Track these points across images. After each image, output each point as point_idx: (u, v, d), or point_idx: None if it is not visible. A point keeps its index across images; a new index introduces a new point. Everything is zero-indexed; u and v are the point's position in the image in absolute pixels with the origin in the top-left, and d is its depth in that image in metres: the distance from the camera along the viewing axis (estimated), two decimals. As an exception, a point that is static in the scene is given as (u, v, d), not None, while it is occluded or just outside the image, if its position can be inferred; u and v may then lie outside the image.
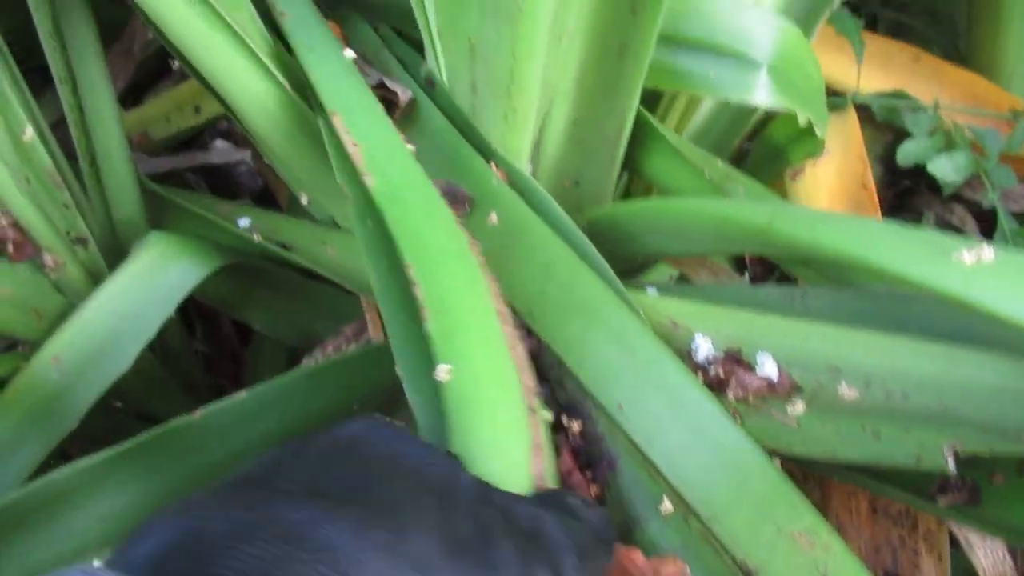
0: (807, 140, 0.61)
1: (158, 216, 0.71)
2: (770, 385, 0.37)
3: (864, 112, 0.80)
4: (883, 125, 0.82)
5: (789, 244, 0.38)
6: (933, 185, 0.76)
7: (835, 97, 0.80)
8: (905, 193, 0.87)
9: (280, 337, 0.72)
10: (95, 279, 0.65)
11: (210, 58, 0.49)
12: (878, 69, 0.84)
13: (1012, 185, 0.69)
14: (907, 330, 0.37)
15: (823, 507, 0.43)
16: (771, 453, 0.35)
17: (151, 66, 0.93)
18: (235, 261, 0.63)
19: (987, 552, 0.40)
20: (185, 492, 0.35)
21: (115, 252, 0.69)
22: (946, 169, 0.66)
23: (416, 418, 0.39)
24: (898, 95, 0.77)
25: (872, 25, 0.99)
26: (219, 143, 0.87)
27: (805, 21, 0.71)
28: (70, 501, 0.44)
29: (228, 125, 0.88)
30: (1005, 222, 0.66)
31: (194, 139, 0.88)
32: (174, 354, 0.74)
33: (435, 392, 0.38)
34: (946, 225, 0.82)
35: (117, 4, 0.75)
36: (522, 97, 0.46)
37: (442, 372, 0.37)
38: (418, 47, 0.58)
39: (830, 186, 0.61)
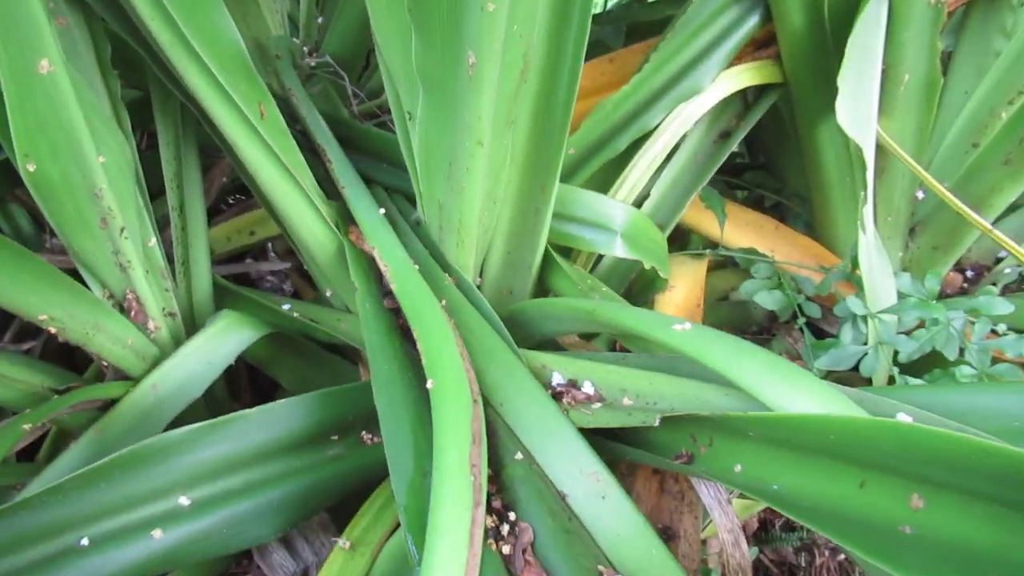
0: (662, 280, 0.93)
1: (222, 300, 1.01)
2: (587, 396, 0.66)
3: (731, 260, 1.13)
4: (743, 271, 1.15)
5: (606, 322, 0.68)
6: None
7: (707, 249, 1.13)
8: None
9: (300, 392, 1.00)
10: (176, 340, 0.95)
11: (289, 212, 0.82)
12: (752, 232, 1.18)
13: (818, 317, 1.00)
14: (664, 371, 0.66)
15: (628, 486, 0.70)
16: (579, 429, 0.64)
17: (216, 200, 1.27)
18: (276, 330, 0.92)
19: (721, 512, 0.66)
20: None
21: (190, 322, 0.99)
22: (766, 300, 0.97)
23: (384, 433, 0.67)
24: (751, 251, 1.09)
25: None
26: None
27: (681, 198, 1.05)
28: (166, 451, 0.71)
29: (271, 246, 1.20)
30: (808, 338, 0.96)
31: (245, 254, 1.19)
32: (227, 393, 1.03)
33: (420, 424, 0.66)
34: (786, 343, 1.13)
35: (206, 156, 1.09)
36: (467, 233, 0.78)
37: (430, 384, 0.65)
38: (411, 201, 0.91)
39: (676, 304, 0.92)
